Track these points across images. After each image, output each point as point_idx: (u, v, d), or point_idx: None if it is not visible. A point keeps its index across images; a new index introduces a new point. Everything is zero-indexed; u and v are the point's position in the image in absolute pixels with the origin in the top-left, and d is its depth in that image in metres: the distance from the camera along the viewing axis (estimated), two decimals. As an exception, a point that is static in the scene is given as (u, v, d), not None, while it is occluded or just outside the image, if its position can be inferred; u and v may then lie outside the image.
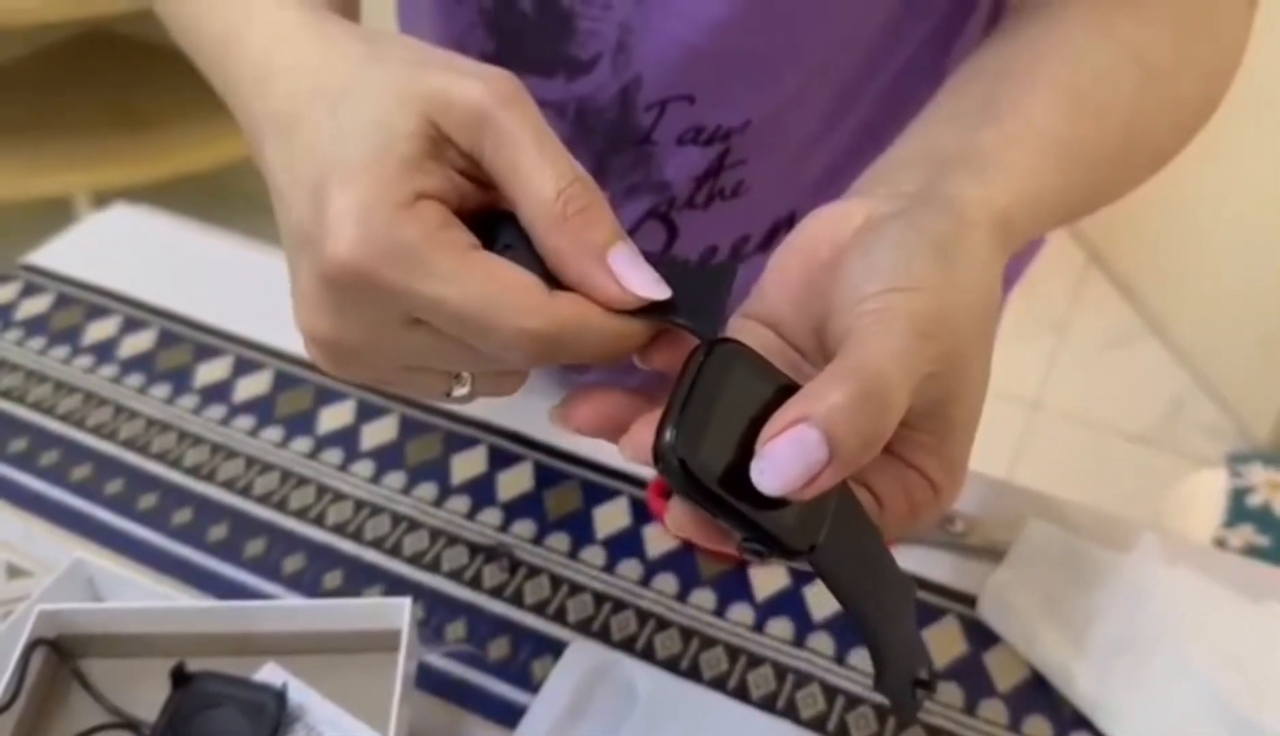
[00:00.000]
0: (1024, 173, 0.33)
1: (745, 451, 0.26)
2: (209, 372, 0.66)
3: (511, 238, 0.29)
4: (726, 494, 0.26)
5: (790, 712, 0.49)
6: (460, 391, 0.31)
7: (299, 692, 0.45)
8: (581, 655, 0.49)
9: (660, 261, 0.29)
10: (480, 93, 0.28)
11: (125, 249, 0.76)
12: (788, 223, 0.55)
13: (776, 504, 0.26)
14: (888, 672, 0.28)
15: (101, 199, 1.44)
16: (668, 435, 0.26)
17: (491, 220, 0.29)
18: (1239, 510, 1.05)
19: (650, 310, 0.28)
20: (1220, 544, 1.03)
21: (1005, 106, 0.36)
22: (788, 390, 0.27)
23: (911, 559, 0.56)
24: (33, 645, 0.45)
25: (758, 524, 0.26)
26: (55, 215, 1.22)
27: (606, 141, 0.50)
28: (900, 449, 0.29)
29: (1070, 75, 0.37)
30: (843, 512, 0.28)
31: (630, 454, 0.28)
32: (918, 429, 0.29)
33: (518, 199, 0.28)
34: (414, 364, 0.30)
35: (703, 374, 0.27)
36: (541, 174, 0.28)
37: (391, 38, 0.31)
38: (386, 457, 0.61)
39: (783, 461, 0.25)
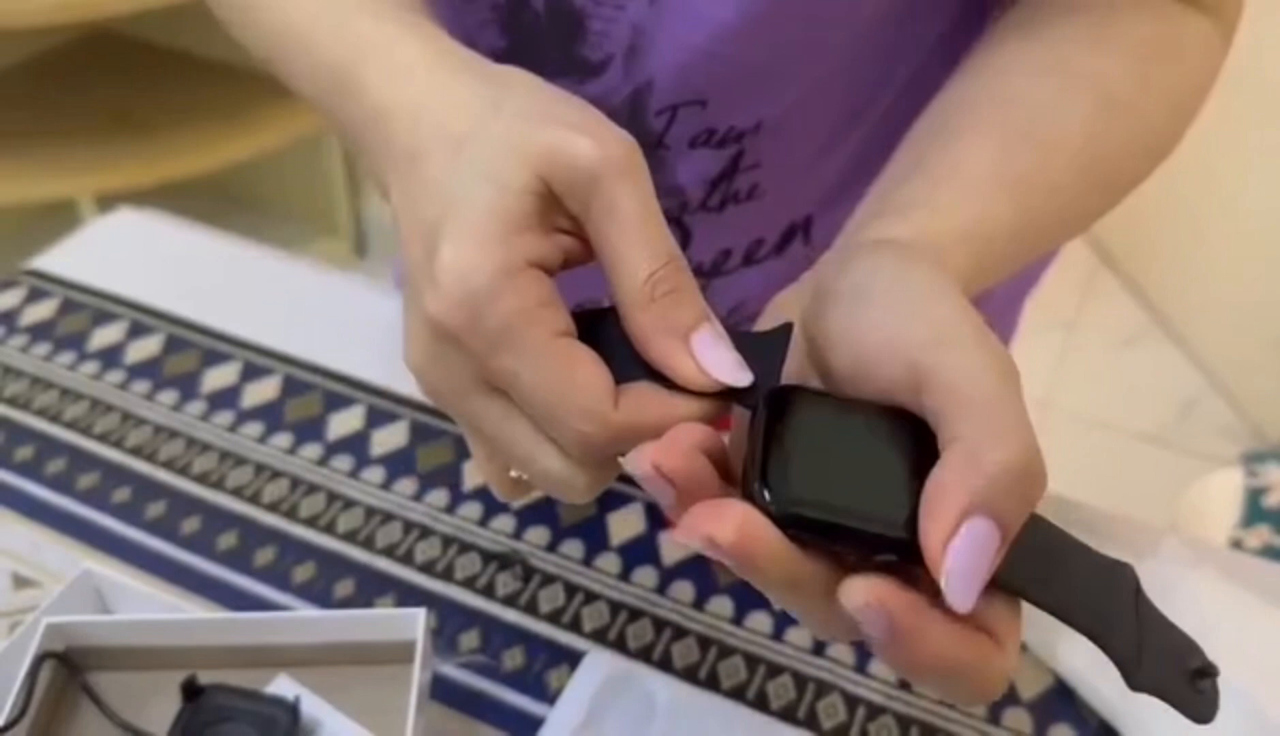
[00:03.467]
0: (946, 209, 0.33)
1: (836, 474, 0.25)
2: (217, 378, 0.65)
3: (617, 331, 0.29)
4: (835, 517, 0.25)
5: (811, 722, 0.48)
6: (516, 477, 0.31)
7: (312, 705, 0.44)
8: (598, 665, 0.49)
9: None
10: (594, 157, 0.27)
11: (130, 253, 0.76)
12: (803, 226, 0.54)
13: (886, 508, 0.25)
14: (1141, 671, 0.26)
15: (105, 203, 1.44)
16: (758, 487, 0.25)
17: (601, 316, 0.29)
18: (1255, 510, 1.04)
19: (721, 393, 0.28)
20: (1236, 544, 1.02)
21: (932, 160, 0.36)
22: (859, 408, 0.26)
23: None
24: (41, 658, 0.44)
25: (880, 535, 0.25)
26: (59, 219, 1.21)
27: None
28: None
29: (1004, 115, 0.38)
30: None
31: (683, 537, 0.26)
32: None
33: (611, 275, 0.28)
34: (489, 433, 0.30)
35: (771, 423, 0.26)
36: (637, 254, 0.28)
37: (515, 79, 0.31)
38: (397, 464, 0.60)
39: (969, 572, 0.23)
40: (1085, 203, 0.40)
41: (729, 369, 0.28)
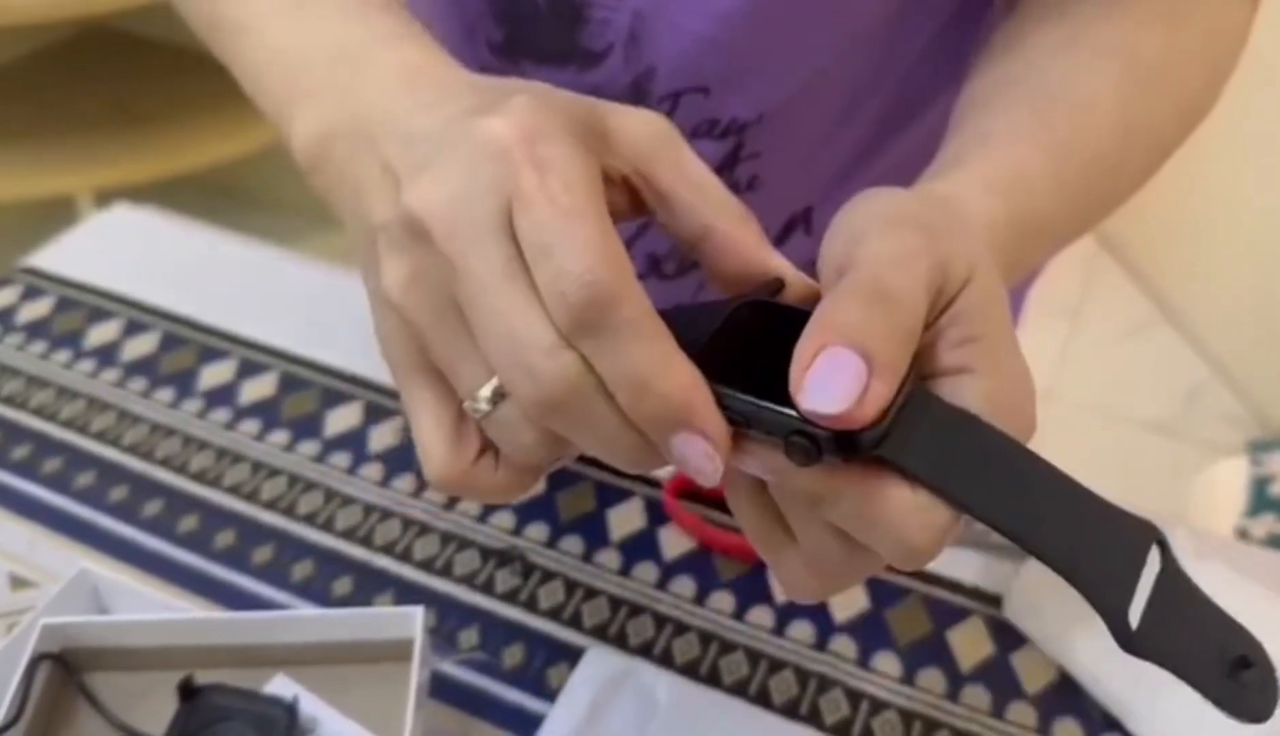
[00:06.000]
0: (975, 163, 0.33)
1: (772, 368, 0.25)
2: (213, 375, 0.65)
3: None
4: (748, 392, 0.25)
5: (813, 718, 0.48)
6: (484, 395, 0.27)
7: (310, 704, 0.44)
8: (599, 662, 0.48)
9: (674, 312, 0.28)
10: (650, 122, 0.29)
11: (126, 250, 0.75)
12: (803, 218, 0.54)
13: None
14: (1138, 635, 0.24)
15: (104, 198, 1.44)
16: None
17: None
18: (1261, 499, 1.03)
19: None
20: (1242, 534, 1.01)
21: (965, 133, 0.36)
22: (803, 315, 0.26)
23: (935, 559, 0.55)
24: (37, 660, 0.44)
25: (792, 413, 0.24)
26: (58, 216, 1.21)
27: None
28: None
29: (1033, 87, 0.37)
30: (931, 414, 0.25)
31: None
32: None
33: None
34: (481, 283, 0.26)
35: (724, 324, 0.27)
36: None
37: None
38: (396, 460, 0.60)
39: (824, 381, 0.24)
40: (1127, 168, 0.39)
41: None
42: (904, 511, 0.25)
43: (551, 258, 0.25)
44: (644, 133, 0.29)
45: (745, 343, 0.27)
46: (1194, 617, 0.25)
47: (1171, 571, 0.25)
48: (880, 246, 0.26)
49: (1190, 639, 0.24)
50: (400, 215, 0.27)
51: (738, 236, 0.28)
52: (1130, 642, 0.24)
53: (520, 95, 0.27)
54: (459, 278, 0.26)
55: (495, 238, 0.26)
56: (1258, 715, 0.24)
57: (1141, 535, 0.25)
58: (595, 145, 0.27)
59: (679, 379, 0.25)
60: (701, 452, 0.25)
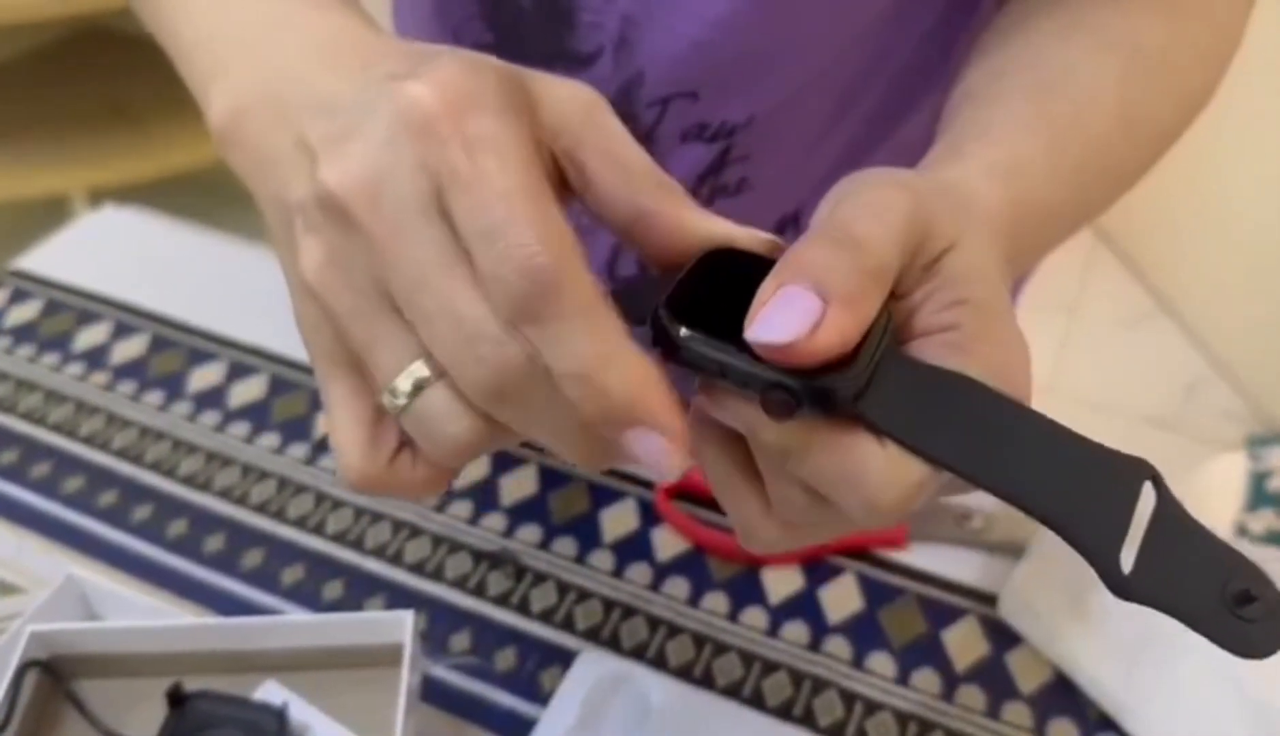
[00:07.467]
0: (972, 154, 0.33)
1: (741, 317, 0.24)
2: (203, 378, 0.64)
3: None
4: (729, 343, 0.24)
5: (807, 720, 0.48)
6: (403, 387, 0.25)
7: (300, 711, 0.43)
8: (592, 666, 0.48)
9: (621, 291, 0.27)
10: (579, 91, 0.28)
11: (115, 252, 0.75)
12: (793, 220, 0.53)
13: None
14: (1133, 578, 0.23)
15: (98, 198, 1.43)
16: (660, 309, 0.25)
17: None
18: (1259, 494, 1.03)
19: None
20: (1241, 530, 1.01)
21: (962, 122, 0.35)
22: (771, 264, 0.26)
23: (928, 557, 0.54)
24: (25, 667, 0.44)
25: (769, 369, 0.24)
26: (53, 216, 1.20)
27: None
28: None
29: (1033, 76, 0.37)
30: (908, 370, 0.25)
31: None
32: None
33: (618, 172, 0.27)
34: (412, 263, 0.24)
35: (691, 272, 0.26)
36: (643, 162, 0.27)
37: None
38: (387, 462, 0.59)
39: (776, 317, 0.23)
40: (1127, 160, 0.39)
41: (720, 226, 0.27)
42: (870, 468, 0.24)
43: (491, 244, 0.23)
44: (570, 109, 0.27)
45: (716, 294, 0.25)
46: (1192, 553, 0.24)
47: (1167, 507, 0.24)
48: (858, 199, 0.26)
49: (1188, 577, 0.23)
50: (317, 193, 0.25)
51: (669, 212, 0.26)
52: (1123, 588, 0.23)
53: (445, 57, 0.25)
54: (387, 263, 0.24)
55: (426, 219, 0.24)
56: (1262, 650, 0.22)
57: (1132, 473, 0.24)
58: (526, 115, 0.26)
59: (628, 373, 0.23)
60: (657, 449, 0.24)
